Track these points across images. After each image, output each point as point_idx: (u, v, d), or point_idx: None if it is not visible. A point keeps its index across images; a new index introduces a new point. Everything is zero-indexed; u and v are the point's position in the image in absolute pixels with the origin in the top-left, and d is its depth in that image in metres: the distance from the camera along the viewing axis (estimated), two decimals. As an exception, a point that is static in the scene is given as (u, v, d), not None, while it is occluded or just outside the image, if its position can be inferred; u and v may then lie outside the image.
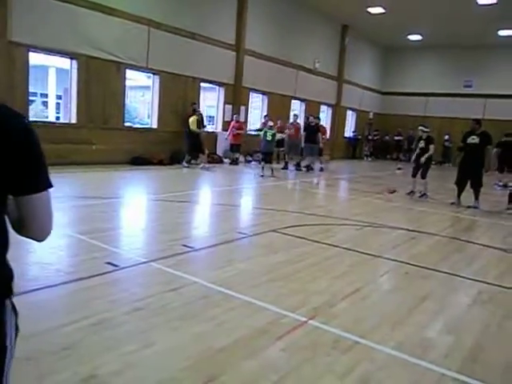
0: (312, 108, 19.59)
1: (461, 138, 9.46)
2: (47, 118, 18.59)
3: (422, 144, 9.92)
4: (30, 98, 23.19)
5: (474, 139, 9.02)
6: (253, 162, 15.39)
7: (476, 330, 3.30)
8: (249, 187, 10.57)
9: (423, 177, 10.02)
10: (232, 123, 14.55)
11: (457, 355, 2.85)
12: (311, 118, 14.85)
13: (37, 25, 9.66)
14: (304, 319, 3.19)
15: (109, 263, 4.07)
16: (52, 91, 23.93)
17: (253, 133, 15.59)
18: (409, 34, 21.60)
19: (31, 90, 21.23)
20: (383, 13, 17.75)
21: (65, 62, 11.20)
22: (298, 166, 14.57)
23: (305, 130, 14.79)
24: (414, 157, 10.24)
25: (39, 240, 1.25)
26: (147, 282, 3.77)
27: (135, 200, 7.93)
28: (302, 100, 19.13)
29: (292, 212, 7.39)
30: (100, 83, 11.28)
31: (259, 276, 4.06)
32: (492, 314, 3.64)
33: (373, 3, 16.97)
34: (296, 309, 3.35)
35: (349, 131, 23.66)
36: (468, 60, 22.60)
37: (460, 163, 9.50)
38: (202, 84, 14.49)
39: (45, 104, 23.84)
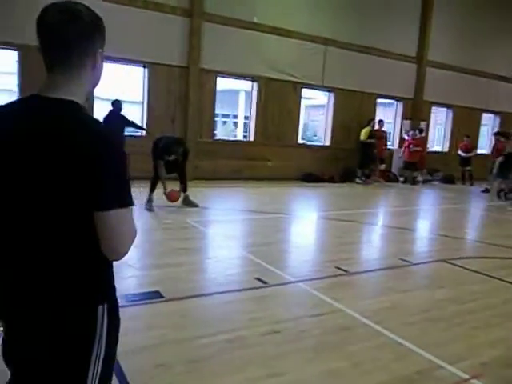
0: (509, 122, 17.04)
1: None
2: (236, 136, 20.42)
3: None
4: (223, 119, 25.77)
5: None
6: (434, 182, 14.10)
7: None
8: (423, 209, 9.66)
9: None
10: (408, 140, 13.60)
11: None
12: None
13: (223, 52, 10.65)
14: (466, 376, 2.62)
15: (258, 279, 4.07)
16: (241, 112, 26.27)
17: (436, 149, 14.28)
18: None
19: (224, 112, 23.68)
20: None
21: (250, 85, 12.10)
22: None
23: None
24: None
25: (112, 259, 1.19)
26: (291, 304, 3.63)
27: (299, 217, 7.94)
28: (495, 113, 16.82)
29: (470, 240, 6.41)
30: (277, 103, 11.82)
31: (416, 313, 3.54)
32: None
33: None
34: (457, 360, 2.78)
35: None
36: None
37: None
38: (380, 100, 13.97)
39: (235, 124, 26.33)
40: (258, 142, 11.74)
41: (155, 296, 3.54)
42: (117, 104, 9.08)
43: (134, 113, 11.10)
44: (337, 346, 2.90)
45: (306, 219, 7.70)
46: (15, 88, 9.07)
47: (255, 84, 11.62)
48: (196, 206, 7.38)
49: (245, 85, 12.77)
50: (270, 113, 11.78)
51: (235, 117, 26.44)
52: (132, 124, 9.36)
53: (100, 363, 1.22)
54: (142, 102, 10.47)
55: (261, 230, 6.32)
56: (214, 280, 4.13)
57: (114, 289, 1.30)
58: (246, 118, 26.48)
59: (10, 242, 1.19)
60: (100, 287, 1.23)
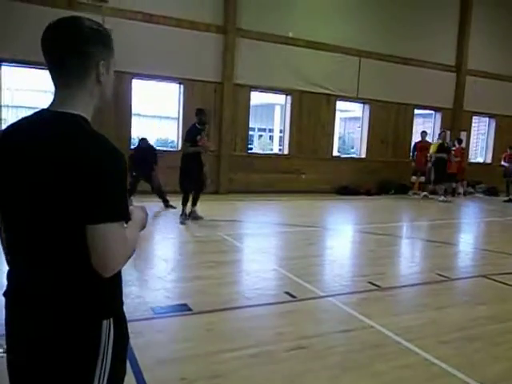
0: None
1: None
2: (272, 150, 20.48)
3: None
4: (259, 133, 25.92)
5: None
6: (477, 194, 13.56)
7: None
8: (464, 222, 9.29)
9: None
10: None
11: None
12: None
13: (257, 67, 10.76)
14: (502, 399, 2.46)
15: (287, 293, 4.01)
16: (277, 126, 26.35)
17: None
18: None
19: (260, 126, 23.78)
20: None
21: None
22: None
23: None
24: None
25: (102, 274, 1.14)
26: (319, 319, 3.54)
27: (332, 230, 7.81)
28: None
29: (514, 255, 6.08)
30: (311, 115, 11.78)
31: (453, 331, 3.37)
32: None
33: None
34: (494, 383, 2.61)
35: None
36: None
37: None
38: (418, 111, 13.65)
39: (271, 138, 26.47)
40: (293, 154, 11.71)
41: (183, 309, 3.54)
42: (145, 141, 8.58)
43: (171, 128, 11.35)
44: (364, 364, 2.80)
45: (339, 232, 7.56)
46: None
47: (289, 97, 11.65)
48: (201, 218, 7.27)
49: (280, 99, 12.85)
50: (304, 126, 11.75)
51: (271, 130, 26.58)
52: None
53: (105, 381, 1.21)
54: (178, 118, 10.70)
55: (293, 243, 6.25)
56: (242, 293, 4.10)
57: (120, 303, 1.28)
58: (281, 131, 26.64)
59: (11, 246, 1.22)
60: (104, 301, 1.22)
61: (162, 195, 8.36)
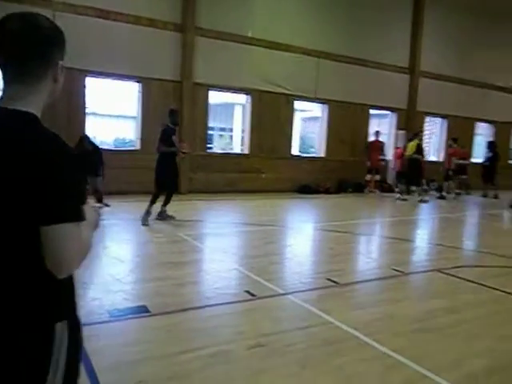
0: (503, 131, 17.11)
1: None
2: (232, 149, 20.45)
3: None
4: (220, 132, 25.82)
5: None
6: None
7: None
8: (419, 219, 9.61)
9: None
10: (398, 150, 13.60)
11: None
12: None
13: (217, 66, 10.71)
14: (452, 387, 2.55)
15: (247, 291, 4.00)
16: (237, 126, 26.36)
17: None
18: None
19: (220, 125, 23.68)
20: None
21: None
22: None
23: None
24: None
25: (56, 275, 1.11)
26: (278, 317, 3.56)
27: (293, 228, 7.88)
28: (490, 122, 16.85)
29: (466, 249, 6.35)
30: (270, 115, 11.85)
31: (407, 323, 3.48)
32: None
33: None
34: (443, 371, 2.71)
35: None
36: None
37: None
38: (374, 111, 14.02)
39: (231, 138, 26.45)
40: (253, 154, 11.74)
41: (142, 311, 3.47)
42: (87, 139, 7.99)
43: (129, 128, 11.10)
44: (323, 359, 2.83)
45: (299, 231, 7.64)
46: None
47: (248, 97, 11.66)
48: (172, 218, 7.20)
49: (241, 98, 12.85)
50: (264, 125, 11.80)
51: (232, 130, 26.57)
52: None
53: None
54: (137, 117, 10.49)
55: (253, 242, 6.26)
56: (202, 294, 4.07)
57: (74, 306, 1.25)
58: (242, 131, 26.67)
59: None
60: (57, 303, 1.18)
61: (100, 198, 7.87)
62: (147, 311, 3.47)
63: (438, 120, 15.76)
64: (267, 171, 11.77)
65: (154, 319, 3.37)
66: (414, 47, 14.07)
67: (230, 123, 25.64)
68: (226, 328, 3.25)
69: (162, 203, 7.11)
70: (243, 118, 12.07)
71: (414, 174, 11.52)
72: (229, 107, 21.26)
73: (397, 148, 13.63)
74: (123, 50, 9.60)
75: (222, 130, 25.90)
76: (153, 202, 6.91)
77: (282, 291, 4.07)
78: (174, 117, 7.18)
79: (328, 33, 12.51)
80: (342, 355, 2.88)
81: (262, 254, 5.49)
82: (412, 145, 11.54)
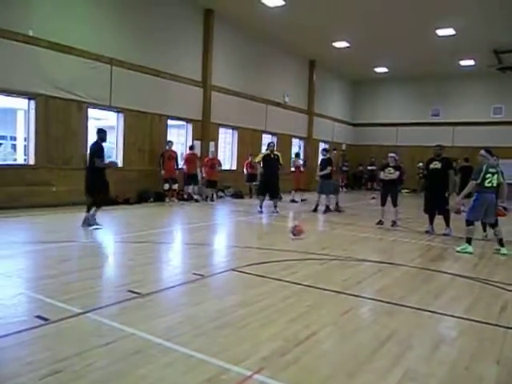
0: (284, 142, 19.61)
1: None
2: (15, 160, 18.09)
3: (391, 170, 9.86)
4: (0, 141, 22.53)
5: (436, 165, 9.06)
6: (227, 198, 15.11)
7: (441, 375, 2.96)
8: (217, 224, 10.21)
9: (394, 205, 9.90)
10: (206, 159, 14.31)
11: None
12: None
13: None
14: (249, 373, 2.81)
15: (38, 316, 3.62)
16: (21, 134, 23.49)
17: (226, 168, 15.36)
18: (375, 67, 22.14)
19: (1, 133, 20.65)
20: (348, 47, 18.14)
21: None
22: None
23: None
24: (380, 184, 10.35)
25: None
26: (76, 338, 3.31)
27: (90, 243, 7.42)
28: (273, 134, 19.11)
29: (257, 248, 7.03)
30: (60, 123, 10.96)
31: (206, 323, 3.67)
32: (459, 353, 3.32)
33: (337, 38, 17.35)
34: (241, 361, 2.97)
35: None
36: (434, 89, 23.22)
37: (425, 190, 9.53)
38: (172, 122, 14.31)
39: (14, 147, 23.36)
40: (40, 165, 10.64)
41: None
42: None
43: None
44: (126, 372, 2.77)
45: (96, 245, 7.24)
46: None
47: (32, 102, 10.54)
48: None
49: (22, 103, 11.49)
50: (53, 134, 10.83)
51: (14, 139, 23.53)
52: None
53: None
54: None
55: (44, 262, 5.68)
56: (-19, 327, 3.50)
57: None
58: (25, 139, 23.86)
59: None
60: None
61: None
62: None
63: (230, 131, 17.07)
64: (59, 184, 10.83)
65: None
66: (206, 63, 14.94)
67: (12, 131, 22.70)
68: (14, 361, 2.88)
69: None
70: (27, 126, 10.81)
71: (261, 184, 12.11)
72: (9, 113, 18.80)
73: (207, 157, 14.27)
74: None
75: (2, 138, 22.72)
76: (93, 206, 8.14)
77: (80, 310, 3.81)
78: (102, 134, 8.25)
79: (122, 41, 12.28)
80: (145, 364, 2.87)
81: (56, 274, 5.02)
82: (260, 155, 12.16)
